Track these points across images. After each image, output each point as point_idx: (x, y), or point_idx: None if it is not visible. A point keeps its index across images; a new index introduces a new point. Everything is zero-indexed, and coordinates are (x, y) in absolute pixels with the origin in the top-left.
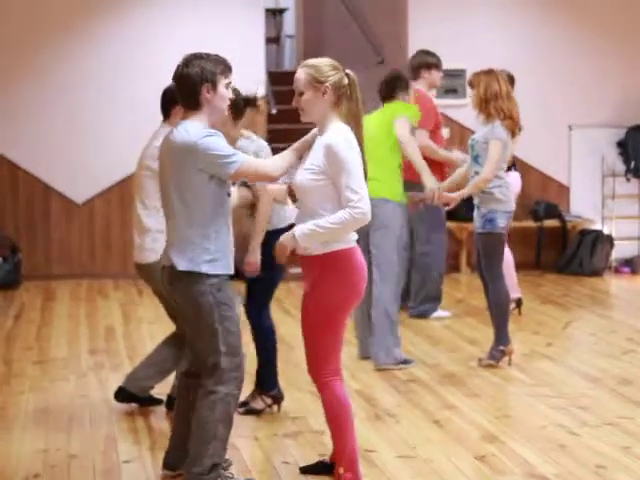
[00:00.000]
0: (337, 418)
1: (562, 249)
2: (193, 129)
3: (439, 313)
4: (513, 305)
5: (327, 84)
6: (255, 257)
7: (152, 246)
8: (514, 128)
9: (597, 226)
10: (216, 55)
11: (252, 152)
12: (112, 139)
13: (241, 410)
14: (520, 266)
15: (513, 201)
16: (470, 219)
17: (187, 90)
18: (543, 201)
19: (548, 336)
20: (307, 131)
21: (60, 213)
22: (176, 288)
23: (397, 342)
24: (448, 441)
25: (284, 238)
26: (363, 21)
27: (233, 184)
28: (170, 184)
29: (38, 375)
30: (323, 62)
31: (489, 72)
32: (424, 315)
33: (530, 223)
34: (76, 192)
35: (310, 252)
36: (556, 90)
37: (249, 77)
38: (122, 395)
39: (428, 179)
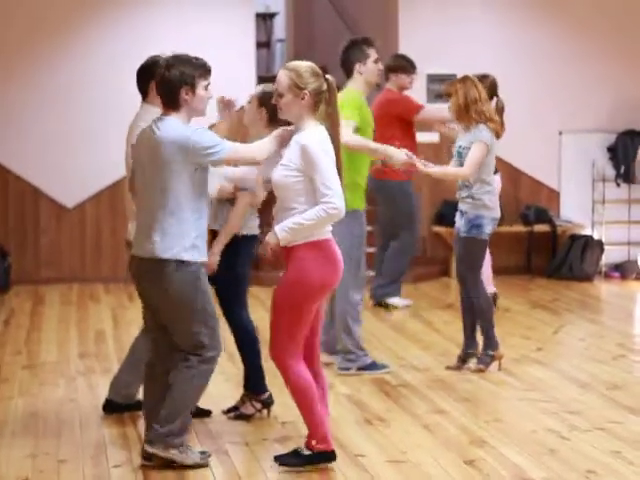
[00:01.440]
0: (299, 399)
1: (552, 254)
2: (178, 126)
3: (402, 301)
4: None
5: (306, 90)
6: (215, 259)
7: None
8: (498, 130)
9: (587, 231)
10: (196, 58)
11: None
12: (103, 143)
13: (231, 415)
14: (510, 271)
15: (499, 208)
16: None
17: (167, 92)
18: (533, 206)
19: (538, 341)
20: None
21: (50, 217)
22: (153, 276)
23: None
24: (438, 446)
25: (268, 237)
26: (353, 26)
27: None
28: (150, 177)
29: (27, 379)
30: (304, 67)
31: (464, 79)
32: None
33: (520, 228)
34: (66, 196)
35: (292, 243)
36: (546, 95)
37: (240, 81)
38: (110, 407)
39: (389, 150)
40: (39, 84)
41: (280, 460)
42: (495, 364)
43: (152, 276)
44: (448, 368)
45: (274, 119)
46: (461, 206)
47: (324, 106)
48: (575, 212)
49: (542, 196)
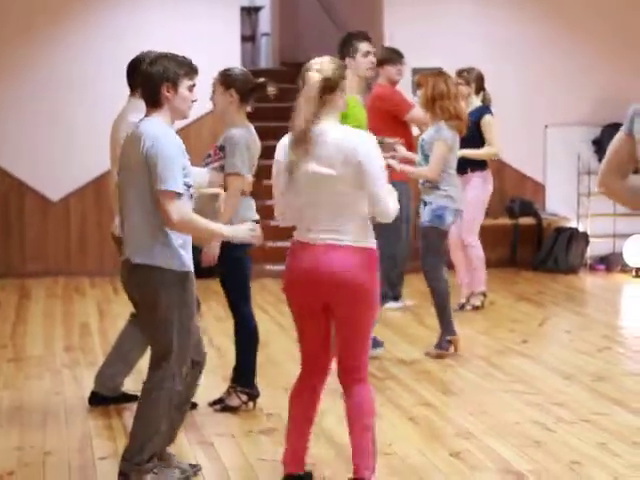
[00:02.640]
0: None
1: (537, 246)
2: (160, 126)
3: (391, 304)
4: (483, 298)
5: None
6: (214, 250)
7: None
8: (462, 128)
9: (572, 224)
10: (183, 57)
11: (244, 143)
12: (87, 136)
13: (217, 407)
14: (496, 263)
15: (461, 201)
16: None
17: (148, 87)
18: (518, 198)
19: (523, 333)
20: (283, 129)
21: (35, 210)
22: (131, 281)
23: None
24: (424, 438)
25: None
26: (338, 19)
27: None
28: (134, 178)
29: (13, 372)
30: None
31: (438, 73)
32: None
33: (506, 220)
34: (51, 189)
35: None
36: (532, 89)
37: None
38: (96, 399)
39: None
40: (24, 79)
41: None
42: (451, 349)
43: (131, 280)
44: (427, 354)
45: (245, 98)
46: (425, 197)
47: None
48: (560, 205)
49: (527, 189)
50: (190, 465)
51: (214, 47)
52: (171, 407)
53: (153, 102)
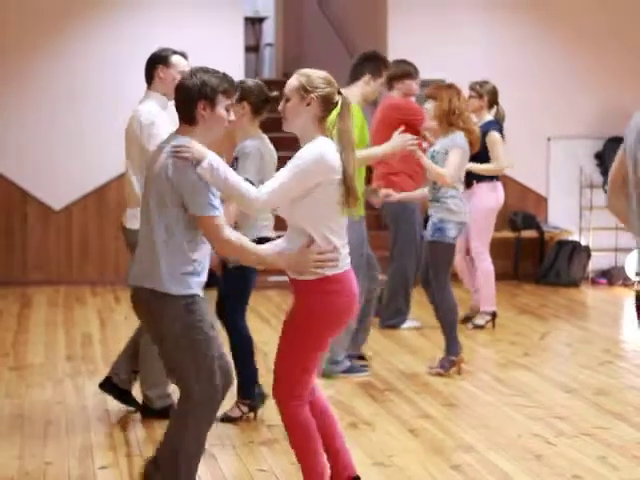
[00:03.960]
0: (296, 442)
1: (540, 260)
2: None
3: (408, 324)
4: (489, 318)
5: (313, 95)
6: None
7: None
8: (474, 141)
9: (574, 237)
10: (224, 74)
11: (258, 155)
12: (90, 145)
13: (217, 417)
14: (498, 276)
15: (466, 214)
16: None
17: (183, 102)
18: (521, 212)
19: (525, 346)
20: (286, 140)
21: (37, 219)
22: (140, 308)
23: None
24: (424, 450)
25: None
26: (342, 31)
27: None
28: (158, 195)
29: (14, 381)
30: (317, 74)
31: (450, 86)
32: (394, 327)
33: (508, 233)
34: (53, 198)
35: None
36: (535, 101)
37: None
38: (107, 385)
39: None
40: (27, 88)
41: None
42: (454, 369)
43: (142, 306)
44: (431, 369)
45: (258, 110)
46: (429, 210)
47: (337, 123)
48: (563, 218)
49: (530, 202)
50: None
51: (218, 57)
52: (201, 436)
53: (187, 118)
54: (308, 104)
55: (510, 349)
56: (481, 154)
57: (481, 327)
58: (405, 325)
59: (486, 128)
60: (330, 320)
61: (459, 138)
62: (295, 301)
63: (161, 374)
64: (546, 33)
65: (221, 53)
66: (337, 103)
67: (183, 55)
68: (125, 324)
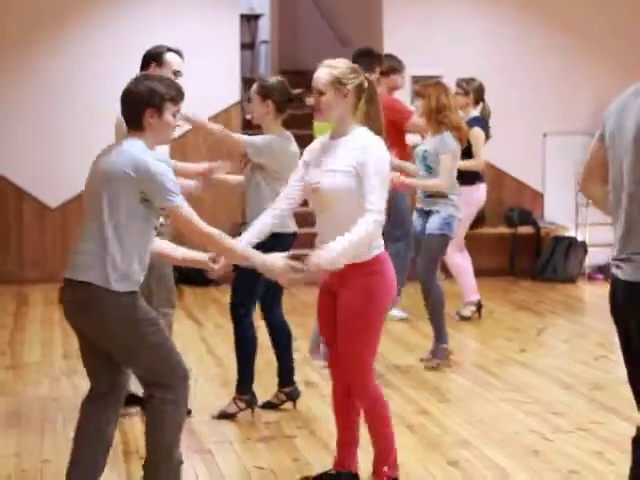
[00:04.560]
0: (381, 424)
1: (536, 255)
2: (141, 149)
3: (394, 312)
4: (474, 308)
5: (349, 86)
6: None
7: None
8: (462, 138)
9: (571, 233)
10: (169, 80)
11: (290, 152)
12: (85, 143)
13: (215, 414)
14: (494, 272)
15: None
16: None
17: (131, 109)
18: (517, 207)
19: (522, 342)
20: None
21: (33, 217)
22: (81, 306)
23: None
24: (421, 446)
25: (315, 258)
26: (337, 27)
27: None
28: (111, 189)
29: (11, 379)
30: (345, 64)
31: (438, 84)
32: None
33: (504, 229)
34: (49, 196)
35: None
36: (531, 97)
37: (224, 82)
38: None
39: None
40: (23, 84)
41: None
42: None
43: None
44: (424, 362)
45: (282, 109)
46: (430, 206)
47: (365, 106)
48: (559, 214)
49: (526, 198)
50: None
51: (214, 54)
52: (181, 426)
53: (135, 125)
54: (346, 96)
55: (506, 345)
56: (466, 149)
57: (468, 318)
58: (391, 313)
59: (470, 124)
60: (388, 297)
61: (448, 140)
62: (345, 288)
63: None
64: (542, 29)
65: (217, 50)
66: (366, 89)
67: (178, 52)
68: None
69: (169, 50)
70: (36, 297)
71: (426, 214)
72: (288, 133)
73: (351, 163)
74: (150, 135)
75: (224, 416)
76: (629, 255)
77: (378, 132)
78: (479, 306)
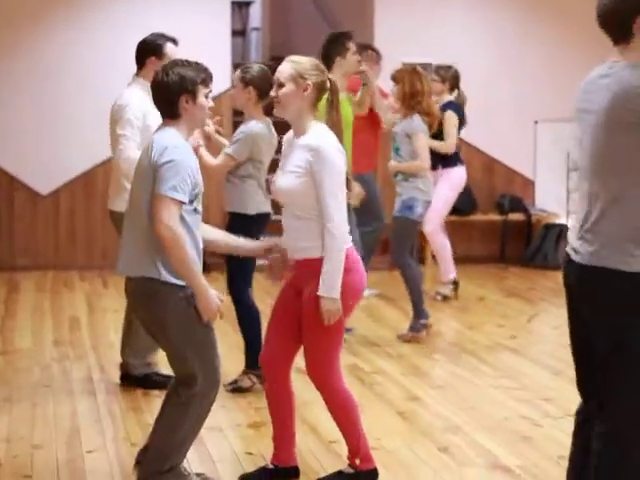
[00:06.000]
0: (346, 417)
1: (527, 242)
2: (172, 138)
3: (365, 293)
4: (451, 287)
5: (309, 82)
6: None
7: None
8: (433, 123)
9: (562, 220)
10: (197, 63)
11: (267, 138)
12: (77, 130)
13: (229, 388)
14: (485, 259)
15: (432, 193)
16: None
17: (165, 99)
18: (508, 194)
19: (512, 329)
20: (278, 124)
21: (24, 204)
22: (138, 299)
23: None
24: (412, 432)
25: (324, 305)
26: (329, 14)
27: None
28: (143, 185)
29: (1, 366)
30: (310, 61)
31: (413, 70)
32: None
33: (495, 216)
34: (40, 183)
35: (308, 255)
36: (523, 84)
37: (215, 69)
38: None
39: None
40: (14, 71)
41: None
42: (424, 332)
43: (141, 297)
44: (400, 337)
45: (263, 95)
46: (397, 189)
47: (327, 109)
48: (550, 201)
49: (517, 185)
50: (197, 474)
51: (204, 41)
52: (200, 423)
53: (170, 114)
54: (305, 90)
55: (497, 331)
56: (438, 133)
57: (447, 297)
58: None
59: (445, 108)
60: (353, 294)
61: (418, 122)
62: (311, 283)
63: (147, 343)
64: (534, 17)
65: (208, 37)
66: (327, 89)
67: (174, 41)
68: (113, 308)
69: (167, 40)
70: (27, 284)
71: (398, 195)
72: (268, 120)
73: (302, 164)
74: (186, 121)
75: (238, 390)
76: (585, 233)
77: (338, 136)
78: (455, 284)
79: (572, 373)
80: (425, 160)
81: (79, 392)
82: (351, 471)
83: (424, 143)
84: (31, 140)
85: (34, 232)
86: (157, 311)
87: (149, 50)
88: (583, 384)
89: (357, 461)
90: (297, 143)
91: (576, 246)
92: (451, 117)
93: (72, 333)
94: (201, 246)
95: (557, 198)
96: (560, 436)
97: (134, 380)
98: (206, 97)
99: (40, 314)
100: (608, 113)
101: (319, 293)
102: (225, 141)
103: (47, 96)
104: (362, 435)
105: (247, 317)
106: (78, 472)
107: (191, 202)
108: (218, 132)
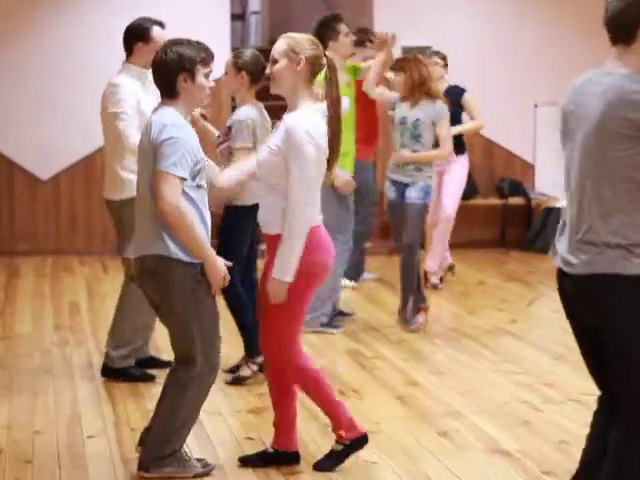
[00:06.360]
0: (317, 392)
1: (527, 226)
2: (170, 116)
3: (365, 276)
4: (446, 272)
5: (302, 56)
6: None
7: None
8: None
9: (562, 203)
10: (197, 42)
11: (251, 124)
12: (77, 115)
13: (229, 378)
14: (485, 243)
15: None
16: None
17: (164, 78)
18: (508, 178)
19: (512, 313)
20: (272, 108)
21: (24, 189)
22: (147, 277)
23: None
24: (412, 417)
25: (272, 288)
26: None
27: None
28: (145, 165)
29: (2, 351)
30: (304, 36)
31: (416, 58)
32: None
33: (495, 200)
34: (40, 168)
35: (274, 230)
36: (522, 67)
37: (214, 53)
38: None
39: None
40: (14, 56)
41: (320, 467)
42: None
43: (142, 274)
44: (413, 330)
45: (256, 80)
46: (407, 179)
47: (325, 85)
48: (550, 185)
49: (517, 169)
50: (198, 459)
51: (204, 25)
52: (198, 406)
53: (169, 92)
54: (297, 64)
55: (498, 316)
56: (454, 117)
57: (437, 286)
58: (362, 276)
59: (457, 91)
60: (311, 272)
61: (440, 106)
62: (273, 259)
63: (130, 335)
64: (533, 0)
65: (207, 21)
66: (324, 65)
67: (160, 24)
68: (113, 294)
69: (154, 24)
70: (27, 269)
71: (403, 185)
72: (261, 105)
73: (278, 142)
74: (185, 100)
75: (238, 379)
76: (577, 244)
77: (335, 112)
78: (452, 268)
79: (573, 358)
80: (449, 148)
81: (79, 377)
82: (340, 447)
83: (448, 130)
84: (30, 125)
85: (34, 217)
86: (165, 287)
87: (136, 35)
88: (602, 389)
89: (342, 432)
90: (284, 119)
91: (570, 259)
92: (473, 97)
93: (72, 318)
94: (209, 221)
95: (557, 182)
96: (561, 421)
97: (113, 373)
98: (206, 77)
99: (40, 299)
100: (601, 121)
101: (271, 274)
102: (212, 128)
103: (47, 81)
104: (340, 405)
105: (239, 307)
106: (79, 457)
107: (193, 178)
108: (204, 117)
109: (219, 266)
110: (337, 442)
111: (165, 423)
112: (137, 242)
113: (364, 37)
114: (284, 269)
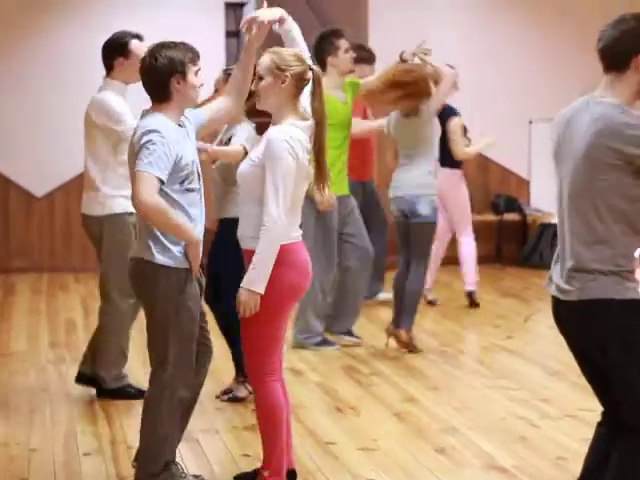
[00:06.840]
0: (268, 421)
1: (522, 242)
2: (157, 121)
3: (380, 296)
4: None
5: (287, 73)
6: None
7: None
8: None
9: (557, 219)
10: (182, 43)
11: (247, 134)
12: (72, 132)
13: (224, 398)
14: (480, 259)
15: None
16: None
17: (155, 82)
18: (503, 194)
19: (508, 329)
20: (266, 125)
21: (19, 206)
22: (134, 279)
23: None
24: (409, 433)
25: (242, 299)
26: (322, 14)
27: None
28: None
29: None
30: (289, 52)
31: (418, 67)
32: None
33: (490, 216)
34: (35, 185)
35: (252, 246)
36: (517, 83)
37: (209, 71)
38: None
39: None
40: (8, 72)
41: None
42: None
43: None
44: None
45: (248, 97)
46: (421, 192)
47: (311, 101)
48: (545, 201)
49: (512, 185)
50: (194, 476)
51: (198, 42)
52: (176, 414)
53: (162, 96)
54: (283, 82)
55: (494, 332)
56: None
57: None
58: (378, 296)
59: (447, 112)
60: (284, 291)
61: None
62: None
63: (118, 355)
64: (528, 15)
65: (202, 38)
66: (309, 80)
67: (138, 37)
68: None
69: (132, 37)
70: (23, 286)
71: (412, 201)
72: (252, 124)
73: (259, 155)
74: (177, 101)
75: (235, 400)
76: (570, 272)
77: (321, 130)
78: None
79: (569, 373)
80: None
81: (76, 395)
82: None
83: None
84: (26, 142)
85: (29, 234)
86: (149, 292)
87: (115, 49)
88: (605, 406)
89: (266, 473)
90: (267, 132)
91: (564, 287)
92: (458, 125)
93: (68, 335)
94: (202, 220)
95: (552, 198)
96: (558, 436)
97: (108, 393)
98: (195, 75)
99: (35, 316)
100: (589, 150)
101: (242, 284)
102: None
103: (42, 97)
104: (279, 448)
105: (228, 324)
106: (75, 475)
107: (181, 183)
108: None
109: (199, 247)
110: (257, 477)
111: (148, 435)
112: (136, 243)
113: (363, 54)
114: (254, 279)
